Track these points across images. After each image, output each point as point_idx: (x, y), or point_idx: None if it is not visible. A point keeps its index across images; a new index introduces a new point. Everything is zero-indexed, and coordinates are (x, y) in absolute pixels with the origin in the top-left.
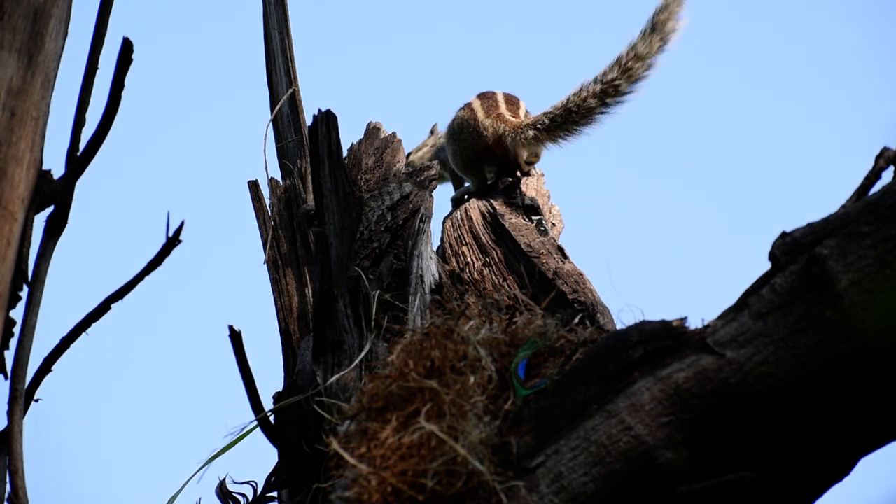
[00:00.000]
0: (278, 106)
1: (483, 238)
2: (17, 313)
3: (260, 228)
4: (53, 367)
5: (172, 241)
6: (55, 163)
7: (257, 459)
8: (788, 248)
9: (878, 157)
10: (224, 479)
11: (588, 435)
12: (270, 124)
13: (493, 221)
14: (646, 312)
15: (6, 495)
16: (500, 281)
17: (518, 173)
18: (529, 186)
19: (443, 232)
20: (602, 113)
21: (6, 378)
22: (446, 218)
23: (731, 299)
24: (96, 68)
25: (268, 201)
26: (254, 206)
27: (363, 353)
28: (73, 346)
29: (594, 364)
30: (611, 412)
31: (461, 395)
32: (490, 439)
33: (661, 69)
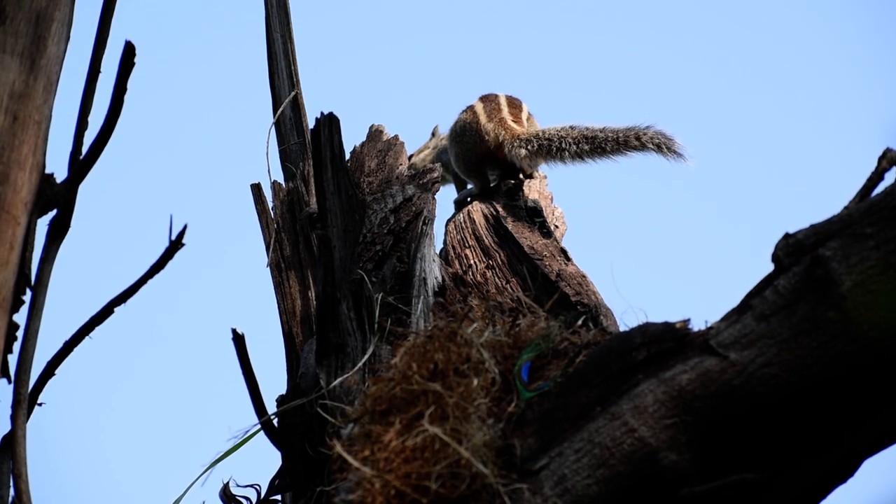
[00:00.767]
0: (281, 109)
1: (486, 240)
2: (21, 317)
3: (263, 232)
4: (57, 371)
5: (175, 245)
6: (58, 167)
7: (261, 463)
8: (791, 250)
9: (880, 159)
10: (228, 483)
11: (592, 437)
12: (273, 127)
13: (495, 224)
14: (649, 314)
15: (10, 500)
16: (504, 283)
17: (521, 175)
18: (532, 189)
19: (446, 234)
20: (597, 158)
21: (10, 382)
22: (449, 220)
23: (733, 301)
24: (99, 72)
25: (270, 204)
26: (256, 209)
27: (366, 356)
28: (76, 349)
29: (597, 366)
30: (614, 414)
31: (465, 397)
32: (494, 442)
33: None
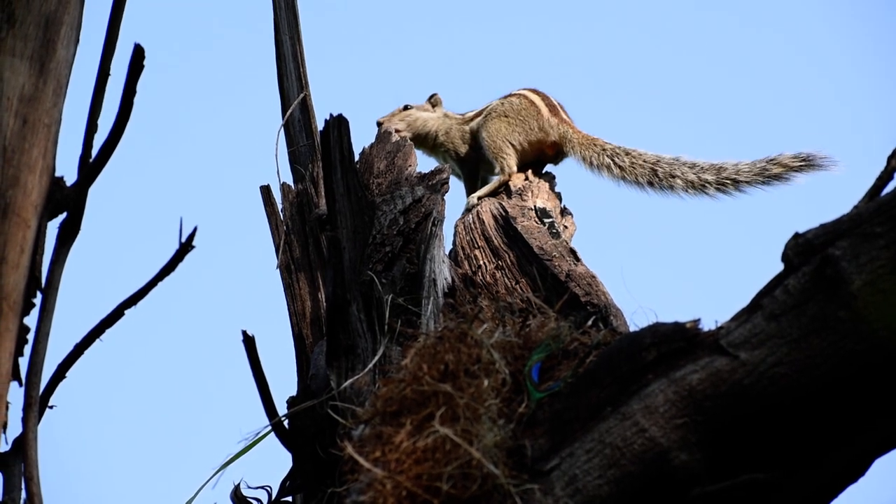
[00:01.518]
0: (290, 111)
1: (495, 241)
2: (31, 320)
3: (272, 233)
4: (68, 374)
5: (185, 247)
6: (68, 169)
7: (272, 464)
8: (801, 249)
9: (890, 158)
10: (239, 484)
11: (602, 437)
12: (282, 129)
13: (505, 224)
14: (659, 314)
15: (22, 502)
16: (513, 284)
17: (530, 172)
18: (541, 189)
19: (455, 235)
20: (675, 193)
21: (21, 385)
22: (458, 221)
23: (744, 301)
24: (108, 75)
25: (280, 206)
26: (266, 211)
27: (377, 357)
28: (86, 352)
29: (608, 366)
30: (625, 414)
31: (475, 398)
32: (504, 442)
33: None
